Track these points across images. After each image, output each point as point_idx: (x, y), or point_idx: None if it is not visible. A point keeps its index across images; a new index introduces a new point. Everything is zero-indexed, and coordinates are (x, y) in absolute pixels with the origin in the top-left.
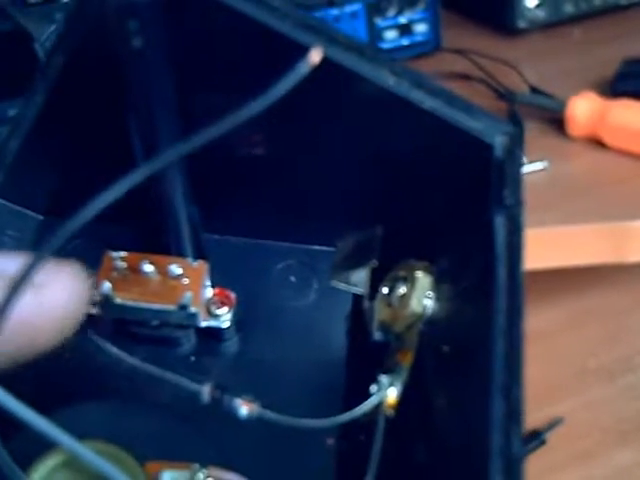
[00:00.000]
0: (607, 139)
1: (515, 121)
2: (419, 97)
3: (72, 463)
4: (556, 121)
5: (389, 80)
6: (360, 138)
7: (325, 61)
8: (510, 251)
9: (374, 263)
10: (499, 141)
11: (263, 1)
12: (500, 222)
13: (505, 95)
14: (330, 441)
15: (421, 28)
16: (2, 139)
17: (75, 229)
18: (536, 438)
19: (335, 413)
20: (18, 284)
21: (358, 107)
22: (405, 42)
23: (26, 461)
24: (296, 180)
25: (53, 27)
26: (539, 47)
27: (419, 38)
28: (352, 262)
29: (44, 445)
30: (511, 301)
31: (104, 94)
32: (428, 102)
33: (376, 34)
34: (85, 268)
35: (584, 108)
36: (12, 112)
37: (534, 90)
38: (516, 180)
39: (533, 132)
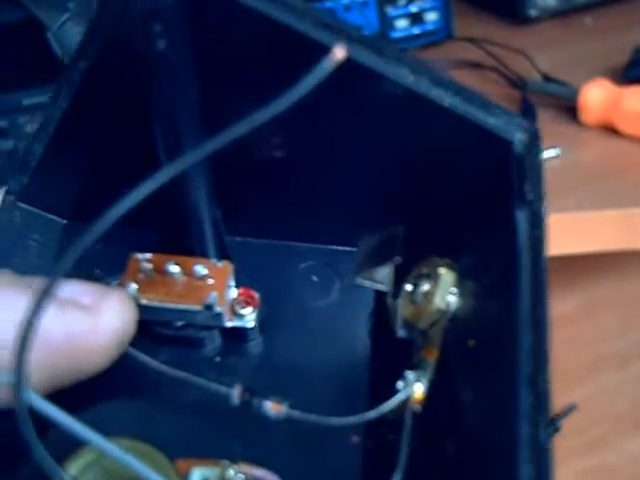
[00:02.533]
0: (620, 126)
1: (528, 109)
2: (438, 95)
3: (103, 461)
4: (569, 109)
5: (408, 78)
6: (380, 136)
7: (345, 60)
8: (533, 245)
9: (398, 260)
10: (518, 137)
11: (283, 1)
12: (522, 217)
13: (518, 83)
14: (356, 439)
15: (432, 17)
16: (26, 143)
17: (100, 233)
18: (550, 425)
19: (359, 411)
20: (46, 291)
21: (377, 105)
22: (416, 31)
23: (60, 456)
24: (317, 181)
25: (66, 16)
26: (551, 35)
27: (430, 27)
28: (376, 260)
29: (76, 442)
30: (535, 294)
31: (127, 97)
32: (447, 99)
33: (387, 23)
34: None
35: (597, 95)
36: (26, 102)
37: (546, 78)
38: (537, 175)
39: (546, 120)
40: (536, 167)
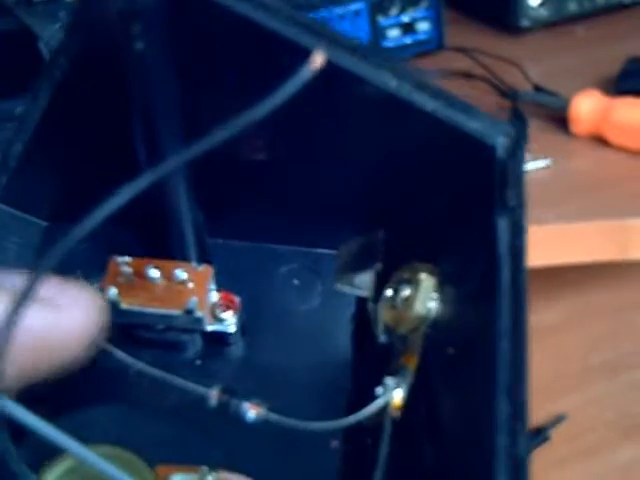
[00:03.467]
0: (611, 137)
1: (518, 119)
2: (421, 99)
3: (82, 467)
4: (559, 119)
5: (391, 82)
6: (362, 140)
7: (327, 64)
8: (513, 253)
9: (378, 267)
10: (501, 142)
11: (265, 4)
12: (503, 224)
13: (508, 93)
14: (334, 444)
15: (424, 26)
16: (6, 143)
17: (81, 236)
18: (540, 435)
19: (340, 416)
20: (26, 293)
21: (360, 110)
22: (408, 40)
23: (36, 465)
24: (299, 183)
25: (58, 26)
26: (542, 45)
27: (422, 36)
28: (356, 265)
29: (54, 449)
30: (515, 302)
31: (107, 98)
32: (430, 104)
33: (379, 32)
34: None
35: (588, 106)
36: (18, 110)
37: (537, 88)
38: (519, 181)
39: (536, 130)
40: (518, 173)
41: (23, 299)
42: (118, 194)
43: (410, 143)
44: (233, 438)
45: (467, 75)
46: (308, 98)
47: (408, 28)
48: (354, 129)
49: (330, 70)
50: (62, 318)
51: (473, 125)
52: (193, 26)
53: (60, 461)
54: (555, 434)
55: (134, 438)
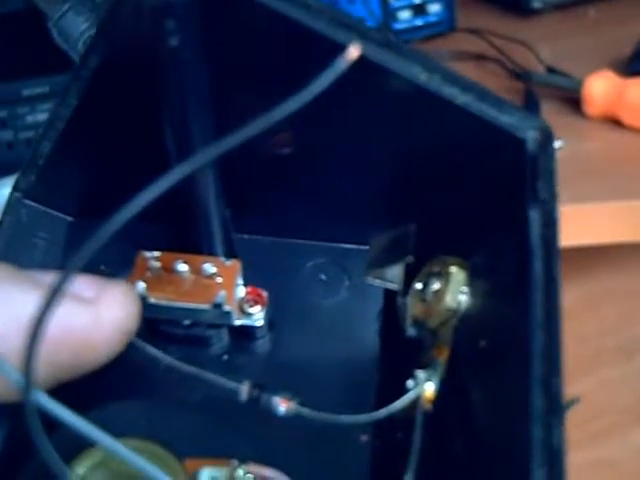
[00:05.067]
0: (624, 118)
1: (531, 101)
2: (451, 93)
3: (111, 461)
4: (572, 101)
5: (421, 76)
6: (391, 134)
7: (359, 58)
8: (545, 245)
9: (410, 259)
10: (531, 136)
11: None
12: (535, 216)
13: (521, 75)
14: (364, 438)
15: (435, 8)
16: (34, 141)
17: (112, 232)
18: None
19: (368, 410)
20: (58, 286)
21: (389, 103)
22: (419, 22)
23: (66, 457)
24: (327, 178)
25: (67, 6)
26: (554, 27)
27: (433, 18)
28: (387, 259)
29: (83, 442)
30: (548, 294)
31: (137, 95)
32: (460, 98)
33: (390, 14)
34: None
35: (601, 87)
36: (26, 92)
37: (550, 70)
38: (550, 174)
39: (549, 112)
40: (549, 166)
41: (56, 295)
42: (149, 189)
43: (439, 136)
44: (262, 432)
45: (479, 57)
46: (336, 91)
47: (419, 10)
48: (382, 122)
49: (361, 64)
50: (101, 316)
51: (504, 119)
52: (225, 20)
53: (89, 454)
54: (568, 417)
55: (162, 432)
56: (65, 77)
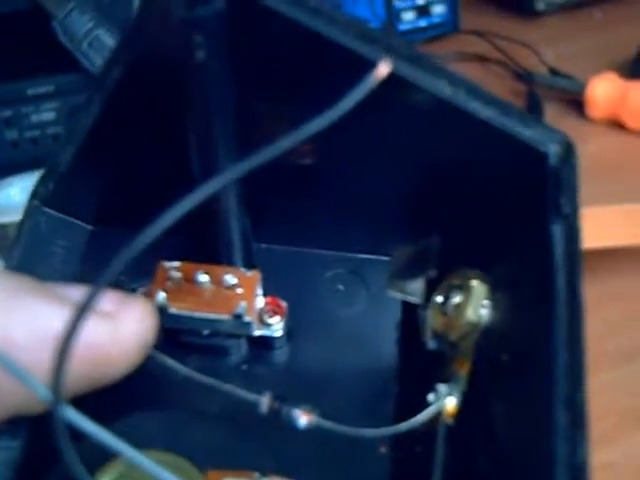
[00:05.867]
0: (627, 121)
1: (534, 103)
2: (475, 107)
3: (134, 472)
4: (576, 103)
5: (446, 90)
6: (413, 147)
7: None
8: (569, 259)
9: (433, 273)
10: (554, 150)
11: (323, 13)
12: (558, 231)
13: (524, 77)
14: (383, 450)
15: (439, 9)
16: (55, 148)
17: (140, 248)
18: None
19: (386, 422)
20: (87, 305)
21: (412, 116)
22: (423, 23)
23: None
24: (346, 189)
25: (71, 5)
26: (558, 29)
27: (437, 19)
28: (409, 271)
29: (105, 454)
30: (571, 309)
31: (160, 105)
32: (484, 112)
33: (394, 15)
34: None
35: (604, 89)
36: (31, 91)
37: (553, 72)
38: (572, 188)
39: (552, 114)
40: (572, 180)
41: (84, 311)
42: (181, 202)
43: (461, 150)
44: (281, 443)
45: (482, 58)
46: (360, 104)
47: (423, 11)
48: (404, 135)
49: (386, 77)
50: (119, 330)
51: (526, 133)
52: (252, 34)
53: (113, 466)
54: None
55: (182, 443)
56: (70, 77)
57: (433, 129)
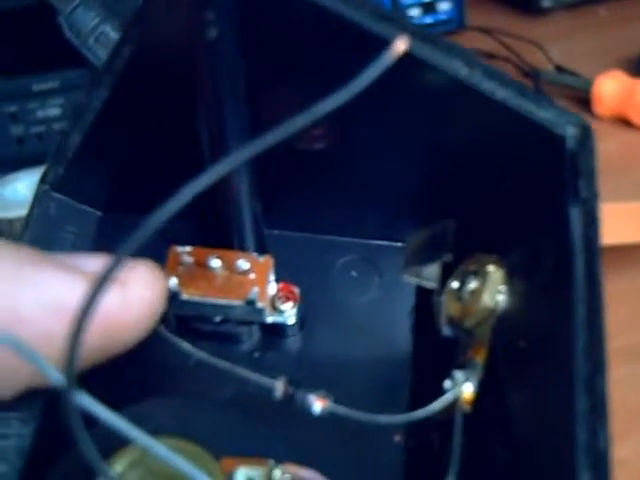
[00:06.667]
0: (634, 118)
1: None
2: (491, 88)
3: (148, 459)
4: (582, 100)
5: (462, 70)
6: (427, 129)
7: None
8: (587, 244)
9: (449, 257)
10: (571, 132)
11: None
12: (576, 215)
13: (530, 74)
14: (397, 438)
15: (445, 6)
16: (63, 133)
17: (153, 228)
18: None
19: (401, 409)
20: (102, 281)
21: (427, 97)
22: (429, 20)
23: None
24: (359, 173)
25: (77, 1)
26: (564, 26)
27: (443, 16)
28: (425, 256)
29: (115, 442)
30: (590, 293)
31: (170, 87)
32: (500, 93)
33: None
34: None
35: (611, 87)
36: (36, 87)
37: (559, 69)
38: (591, 172)
39: None
40: (590, 163)
41: (101, 286)
42: (193, 182)
43: (477, 132)
44: (295, 431)
45: (488, 55)
46: (374, 85)
47: (429, 8)
48: (419, 117)
49: (402, 57)
50: (129, 296)
51: (543, 114)
52: (264, 12)
53: (127, 452)
54: None
55: (195, 430)
56: (75, 72)
57: (448, 111)
